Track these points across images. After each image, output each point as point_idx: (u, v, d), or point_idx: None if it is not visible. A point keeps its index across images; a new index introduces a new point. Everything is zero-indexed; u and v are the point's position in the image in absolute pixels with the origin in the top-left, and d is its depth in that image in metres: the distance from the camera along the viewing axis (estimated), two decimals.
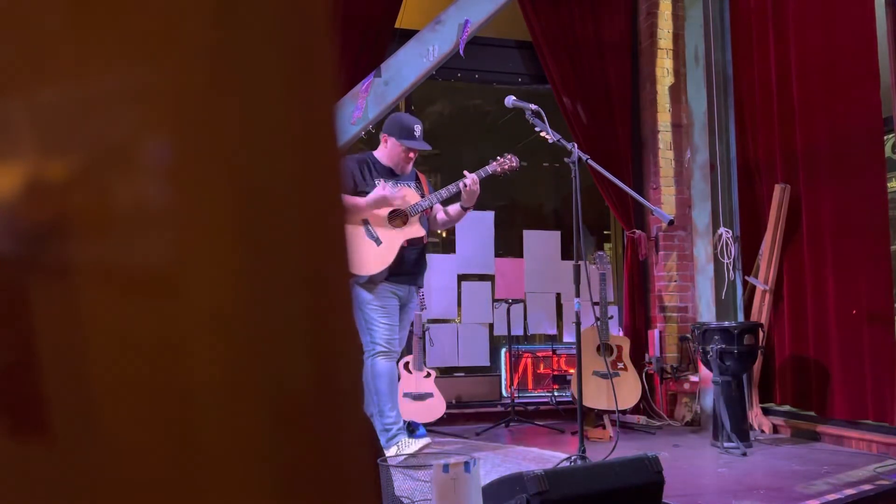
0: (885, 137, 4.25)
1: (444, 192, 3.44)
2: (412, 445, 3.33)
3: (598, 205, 5.38)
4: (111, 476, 0.35)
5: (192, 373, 0.35)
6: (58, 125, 0.35)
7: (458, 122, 6.35)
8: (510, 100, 3.22)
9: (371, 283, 3.35)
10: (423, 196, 3.53)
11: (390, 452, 3.25)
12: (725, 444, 3.66)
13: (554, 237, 5.32)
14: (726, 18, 4.77)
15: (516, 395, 4.91)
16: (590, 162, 3.16)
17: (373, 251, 3.34)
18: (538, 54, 5.09)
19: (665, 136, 5.16)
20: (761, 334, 3.94)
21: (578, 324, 3.03)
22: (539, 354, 5.09)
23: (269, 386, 0.36)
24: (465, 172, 3.45)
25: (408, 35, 4.36)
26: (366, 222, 3.36)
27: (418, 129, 3.47)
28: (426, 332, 4.58)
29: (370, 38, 4.65)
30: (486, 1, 4.19)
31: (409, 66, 4.13)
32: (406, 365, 4.36)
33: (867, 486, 2.80)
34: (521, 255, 5.21)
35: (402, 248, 3.37)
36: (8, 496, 0.35)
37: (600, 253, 4.68)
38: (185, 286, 0.35)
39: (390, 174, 3.50)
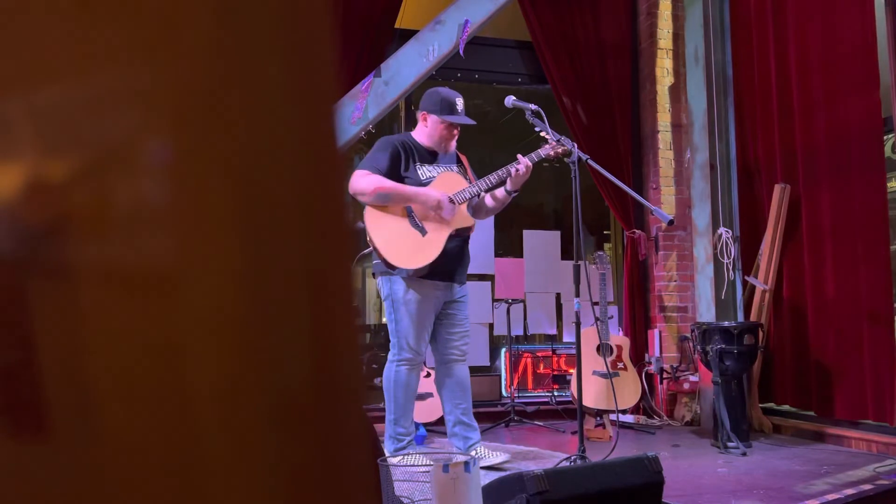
0: (885, 137, 4.25)
1: (493, 178, 3.18)
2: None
3: (598, 205, 5.38)
4: (111, 476, 0.35)
5: (193, 373, 0.35)
6: (58, 125, 0.35)
7: None
8: (510, 100, 3.21)
9: (412, 278, 3.09)
10: (466, 177, 3.27)
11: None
12: (725, 444, 3.66)
13: (554, 237, 5.32)
14: (726, 18, 4.77)
15: (516, 395, 4.91)
16: (590, 162, 3.16)
17: (417, 242, 3.07)
18: (538, 54, 5.09)
19: (665, 136, 5.16)
20: (761, 334, 3.94)
21: (578, 324, 3.03)
22: (539, 354, 5.09)
23: (269, 386, 0.36)
24: (519, 156, 3.17)
25: (408, 35, 4.37)
26: (409, 210, 3.11)
27: (460, 103, 3.22)
28: None
29: (370, 38, 4.65)
30: (486, 1, 4.19)
31: (409, 66, 4.13)
32: None
33: (867, 486, 2.80)
34: (521, 255, 5.21)
35: (449, 239, 3.11)
36: (8, 496, 0.35)
37: (600, 253, 4.67)
38: (186, 286, 0.35)
39: (432, 157, 3.24)
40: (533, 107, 3.13)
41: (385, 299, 3.20)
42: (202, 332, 0.35)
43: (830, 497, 2.65)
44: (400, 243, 3.07)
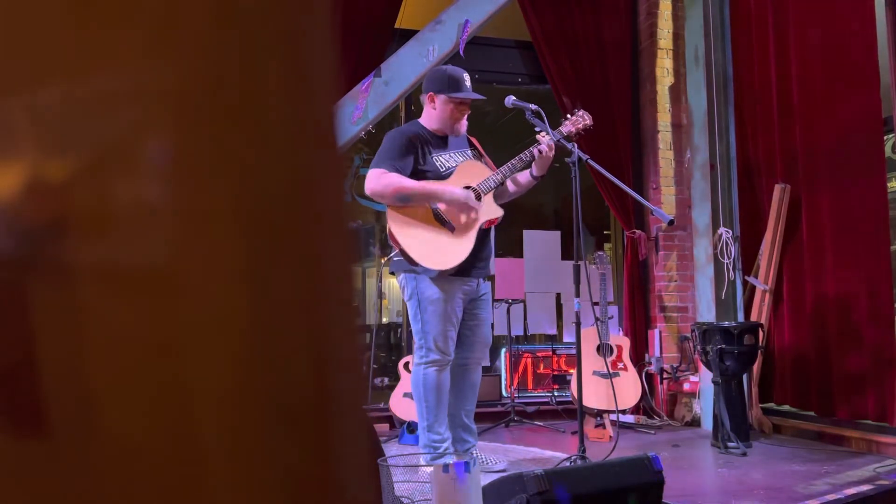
0: (885, 137, 4.25)
1: (516, 162, 3.01)
2: None
3: (598, 205, 5.38)
4: (111, 476, 0.35)
5: (193, 373, 0.35)
6: (58, 125, 0.35)
7: None
8: (510, 100, 3.20)
9: (440, 277, 2.91)
10: (484, 164, 3.11)
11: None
12: (725, 444, 3.66)
13: (554, 237, 5.32)
14: (726, 18, 4.77)
15: (516, 395, 4.91)
16: (590, 162, 3.15)
17: (447, 241, 2.90)
18: (538, 54, 5.09)
19: (665, 136, 5.16)
20: (761, 334, 3.94)
21: (578, 324, 3.03)
22: (539, 354, 5.09)
23: (269, 386, 0.36)
24: (539, 137, 3.01)
25: (408, 35, 4.37)
26: (434, 205, 2.96)
27: (467, 79, 3.07)
28: None
29: (370, 38, 4.65)
30: (486, 1, 4.19)
31: (409, 66, 4.14)
32: (406, 365, 4.36)
33: (867, 486, 2.80)
34: (521, 255, 5.21)
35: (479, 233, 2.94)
36: (8, 496, 0.35)
37: (600, 253, 4.68)
38: (186, 286, 0.35)
39: (443, 142, 3.08)
40: (533, 107, 3.12)
41: (409, 299, 3.01)
42: (202, 332, 0.35)
43: (830, 497, 2.65)
44: (429, 243, 2.91)
